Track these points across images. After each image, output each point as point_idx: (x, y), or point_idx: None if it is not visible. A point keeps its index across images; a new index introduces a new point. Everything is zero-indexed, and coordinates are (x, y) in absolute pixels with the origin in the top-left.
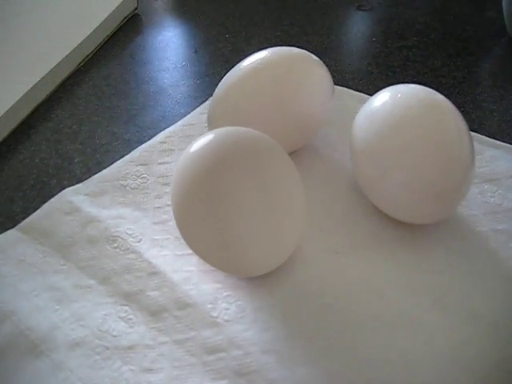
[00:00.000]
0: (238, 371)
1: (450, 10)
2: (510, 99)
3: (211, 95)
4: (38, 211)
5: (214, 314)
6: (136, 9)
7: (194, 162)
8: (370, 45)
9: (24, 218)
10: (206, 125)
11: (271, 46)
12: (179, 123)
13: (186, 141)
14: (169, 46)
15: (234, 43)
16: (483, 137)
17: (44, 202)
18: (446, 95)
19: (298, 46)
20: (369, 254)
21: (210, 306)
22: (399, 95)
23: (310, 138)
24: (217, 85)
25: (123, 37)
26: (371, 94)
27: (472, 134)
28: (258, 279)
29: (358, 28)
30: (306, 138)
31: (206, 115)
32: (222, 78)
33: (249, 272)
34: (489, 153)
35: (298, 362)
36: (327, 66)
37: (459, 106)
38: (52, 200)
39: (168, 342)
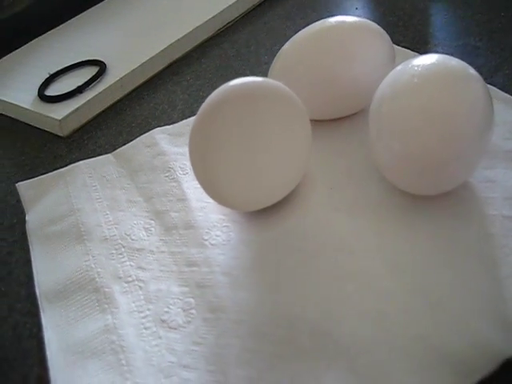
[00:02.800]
0: (199, 283)
1: None
2: None
3: None
4: (130, 143)
5: (206, 237)
6: None
7: (210, 97)
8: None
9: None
10: None
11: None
12: None
13: None
14: (303, 17)
15: None
16: None
17: None
18: None
19: None
20: (363, 216)
21: (206, 230)
22: (414, 62)
23: (365, 102)
24: None
25: (267, 6)
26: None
27: None
28: (256, 218)
29: None
30: (361, 102)
31: None
32: None
33: (232, 206)
34: None
35: (243, 287)
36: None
37: None
38: (143, 135)
39: (165, 252)
